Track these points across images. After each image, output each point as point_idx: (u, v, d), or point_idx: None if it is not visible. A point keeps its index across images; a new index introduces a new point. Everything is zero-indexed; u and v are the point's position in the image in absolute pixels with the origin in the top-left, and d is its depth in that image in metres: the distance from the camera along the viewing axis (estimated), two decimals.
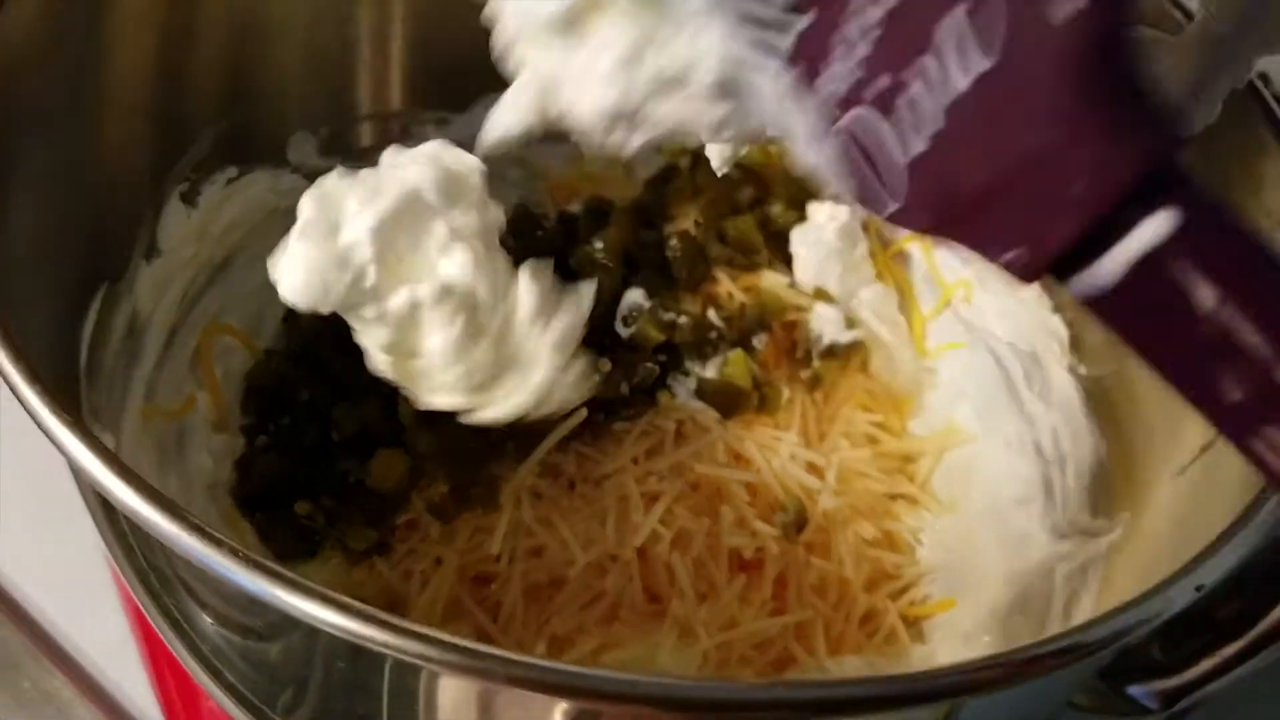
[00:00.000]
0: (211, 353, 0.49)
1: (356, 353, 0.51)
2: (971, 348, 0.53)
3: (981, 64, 0.22)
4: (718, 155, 0.36)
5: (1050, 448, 0.48)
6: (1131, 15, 0.21)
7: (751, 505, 0.48)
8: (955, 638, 0.46)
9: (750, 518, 0.48)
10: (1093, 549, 0.43)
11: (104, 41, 0.40)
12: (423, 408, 0.42)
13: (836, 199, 0.52)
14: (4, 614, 0.54)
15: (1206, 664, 0.40)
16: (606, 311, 0.51)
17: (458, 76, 0.55)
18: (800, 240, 0.53)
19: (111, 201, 0.43)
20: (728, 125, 0.29)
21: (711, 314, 0.52)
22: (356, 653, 0.27)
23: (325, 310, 0.38)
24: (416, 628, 0.24)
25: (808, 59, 0.25)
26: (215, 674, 0.37)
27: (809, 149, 0.26)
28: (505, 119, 0.33)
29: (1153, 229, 0.22)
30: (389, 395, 0.48)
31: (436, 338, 0.40)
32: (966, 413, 0.52)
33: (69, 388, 0.38)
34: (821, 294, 0.53)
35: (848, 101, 0.24)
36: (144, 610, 0.38)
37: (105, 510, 0.38)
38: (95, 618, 0.53)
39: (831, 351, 0.52)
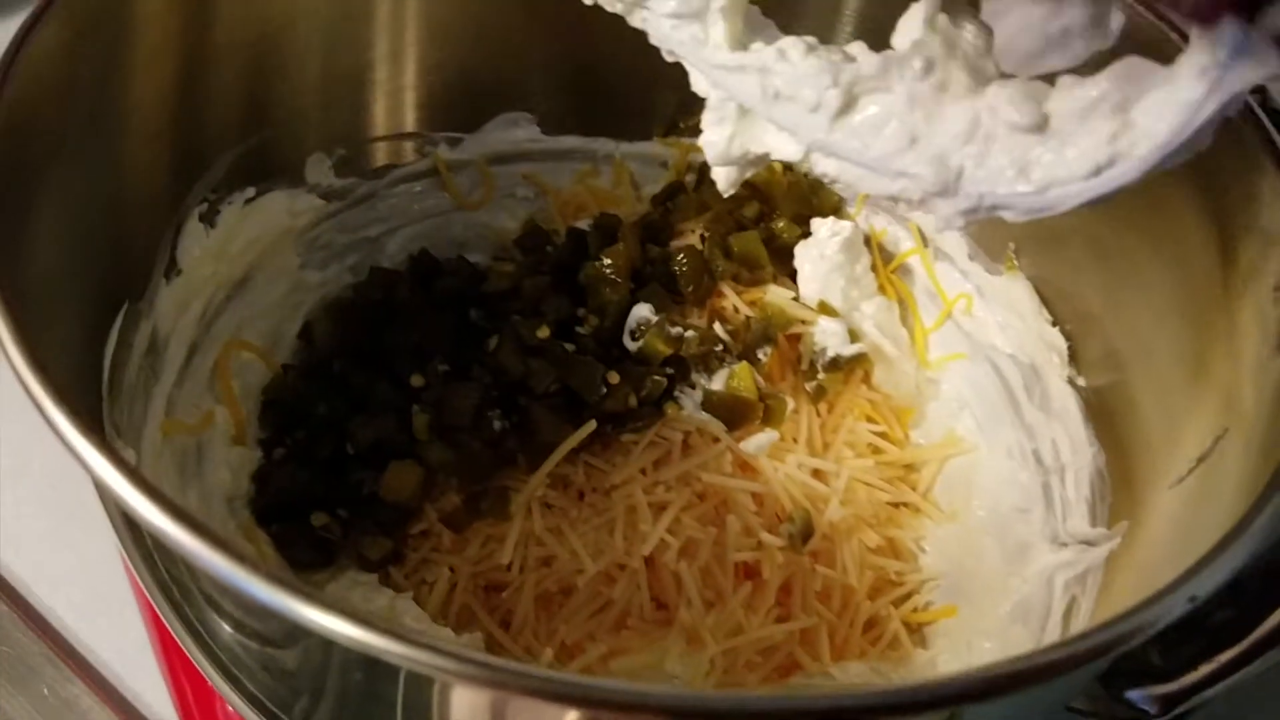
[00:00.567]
0: (230, 369, 0.50)
1: (371, 368, 0.52)
2: (972, 359, 0.54)
3: None
4: (724, 178, 0.37)
5: (1050, 457, 0.49)
6: None
7: (758, 514, 0.49)
8: (957, 644, 0.47)
9: (756, 527, 0.48)
10: (1092, 557, 0.43)
11: (125, 68, 0.41)
12: None
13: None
14: (24, 622, 0.55)
15: (1204, 669, 0.40)
16: (615, 326, 0.52)
17: (468, 98, 0.56)
18: (804, 255, 0.54)
19: (133, 222, 0.44)
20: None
21: (717, 328, 0.53)
22: (372, 664, 0.28)
23: None
24: (431, 641, 0.25)
25: None
26: (234, 681, 0.37)
27: None
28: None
29: None
30: (403, 409, 0.50)
31: None
32: (968, 423, 0.53)
33: (92, 405, 0.39)
34: (825, 307, 0.54)
35: None
36: (164, 619, 0.39)
37: (127, 523, 0.39)
38: (113, 626, 0.53)
39: (835, 364, 0.53)
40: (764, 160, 0.35)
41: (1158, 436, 0.43)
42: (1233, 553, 0.30)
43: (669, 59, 0.36)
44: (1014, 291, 0.51)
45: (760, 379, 0.52)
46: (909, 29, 0.31)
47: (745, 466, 0.51)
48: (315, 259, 0.54)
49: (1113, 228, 0.45)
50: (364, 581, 0.46)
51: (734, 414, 0.51)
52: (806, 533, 0.49)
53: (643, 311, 0.52)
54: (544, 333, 0.51)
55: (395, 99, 0.54)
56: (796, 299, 0.54)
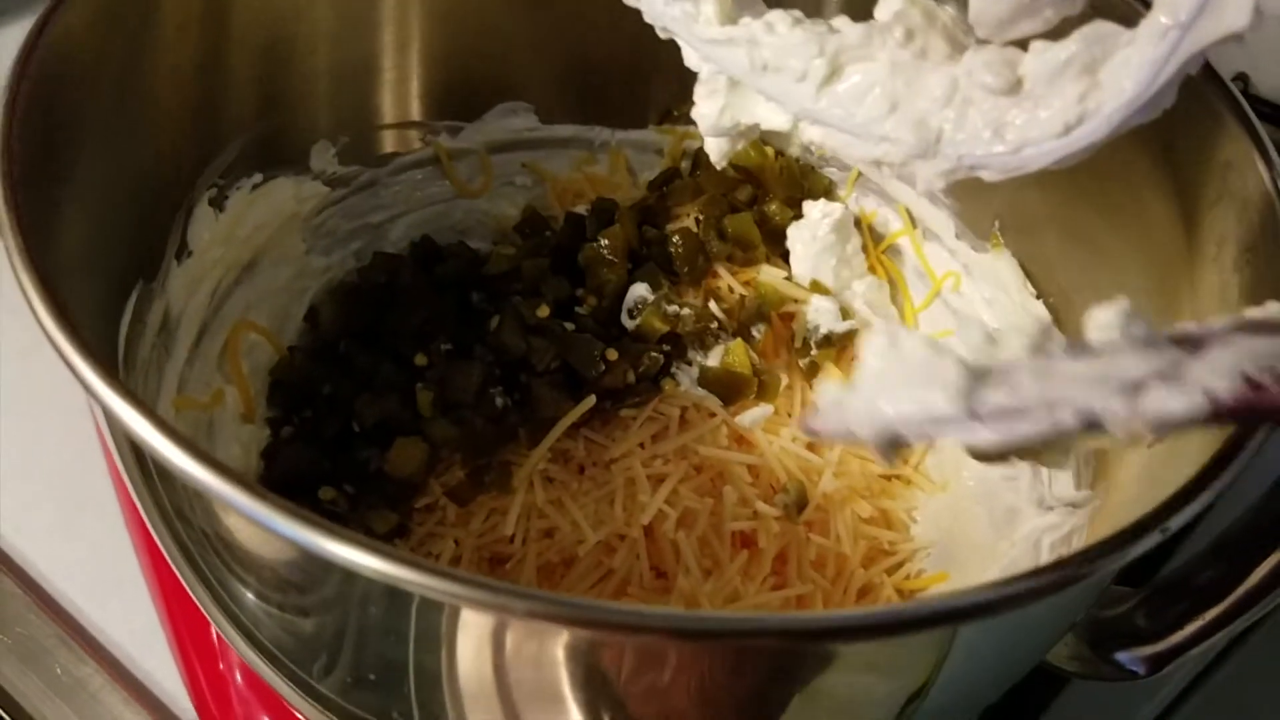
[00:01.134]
0: (239, 349, 0.51)
1: (375, 349, 0.53)
2: (961, 335, 0.55)
3: None
4: (716, 149, 0.39)
5: None
6: None
7: (753, 486, 0.51)
8: None
9: (752, 498, 0.50)
10: (1076, 519, 0.45)
11: (149, 49, 0.42)
12: None
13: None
14: (36, 604, 0.56)
15: (1190, 628, 0.42)
16: (613, 305, 0.54)
17: (470, 88, 0.58)
18: (796, 236, 0.56)
19: (149, 205, 0.45)
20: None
21: (712, 306, 0.54)
22: (390, 598, 0.30)
23: None
24: (443, 568, 0.26)
25: None
26: (250, 638, 0.39)
27: None
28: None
29: None
30: (407, 388, 0.51)
31: None
32: None
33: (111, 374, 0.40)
34: (817, 286, 0.56)
35: None
36: (184, 582, 0.40)
37: (147, 484, 0.40)
38: (124, 607, 0.54)
39: (828, 340, 0.54)
40: (754, 130, 0.36)
41: None
42: (1205, 493, 0.31)
43: (662, 35, 0.37)
44: (999, 268, 0.53)
45: (755, 355, 0.54)
46: (891, 1, 0.32)
47: (741, 440, 0.52)
48: (320, 245, 0.56)
49: (1084, 214, 0.47)
50: None
51: (729, 389, 0.53)
52: (801, 503, 0.50)
53: (640, 291, 0.53)
54: (544, 312, 0.52)
55: (399, 88, 0.56)
56: (789, 278, 0.56)
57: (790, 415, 0.53)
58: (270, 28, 0.48)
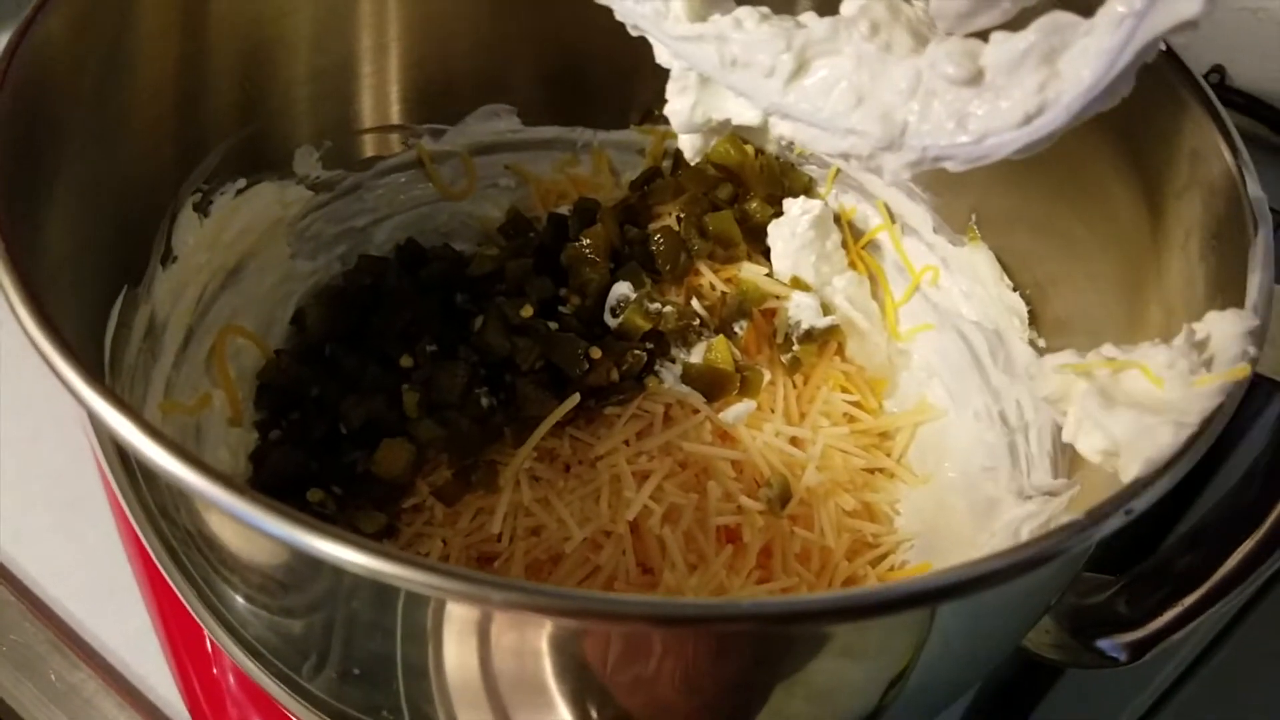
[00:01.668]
0: (225, 353, 0.51)
1: (361, 351, 0.54)
2: (940, 329, 0.56)
3: None
4: (689, 145, 0.39)
5: (1015, 417, 0.51)
6: None
7: (737, 481, 0.51)
8: None
9: (736, 493, 0.50)
10: (1054, 507, 0.45)
11: (127, 56, 0.43)
12: None
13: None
14: (30, 611, 0.56)
15: (1169, 614, 0.42)
16: (595, 304, 0.54)
17: (451, 90, 0.58)
18: (776, 233, 0.56)
19: (132, 210, 0.45)
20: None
21: (695, 303, 0.55)
22: (375, 593, 0.30)
23: None
24: (427, 561, 0.27)
25: None
26: (237, 637, 0.39)
27: None
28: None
29: None
30: (393, 389, 0.51)
31: None
32: (938, 390, 0.55)
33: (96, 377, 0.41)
34: (798, 283, 0.56)
35: None
36: (171, 583, 0.40)
37: (134, 488, 0.40)
38: (118, 613, 0.55)
39: (809, 336, 0.55)
40: (726, 126, 0.37)
41: None
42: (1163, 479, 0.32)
43: (633, 33, 0.38)
44: (977, 261, 0.53)
45: (737, 352, 0.54)
46: None
47: (724, 435, 0.53)
48: (305, 249, 0.56)
49: (1056, 206, 0.48)
50: None
51: (712, 386, 0.53)
52: (785, 497, 0.51)
53: (622, 289, 0.54)
54: (527, 312, 0.53)
55: (380, 92, 0.56)
56: (770, 275, 0.56)
57: (773, 410, 0.54)
58: (249, 34, 0.49)
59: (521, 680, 0.32)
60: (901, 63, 0.32)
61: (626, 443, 0.51)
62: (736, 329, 0.55)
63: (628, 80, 0.59)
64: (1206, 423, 0.32)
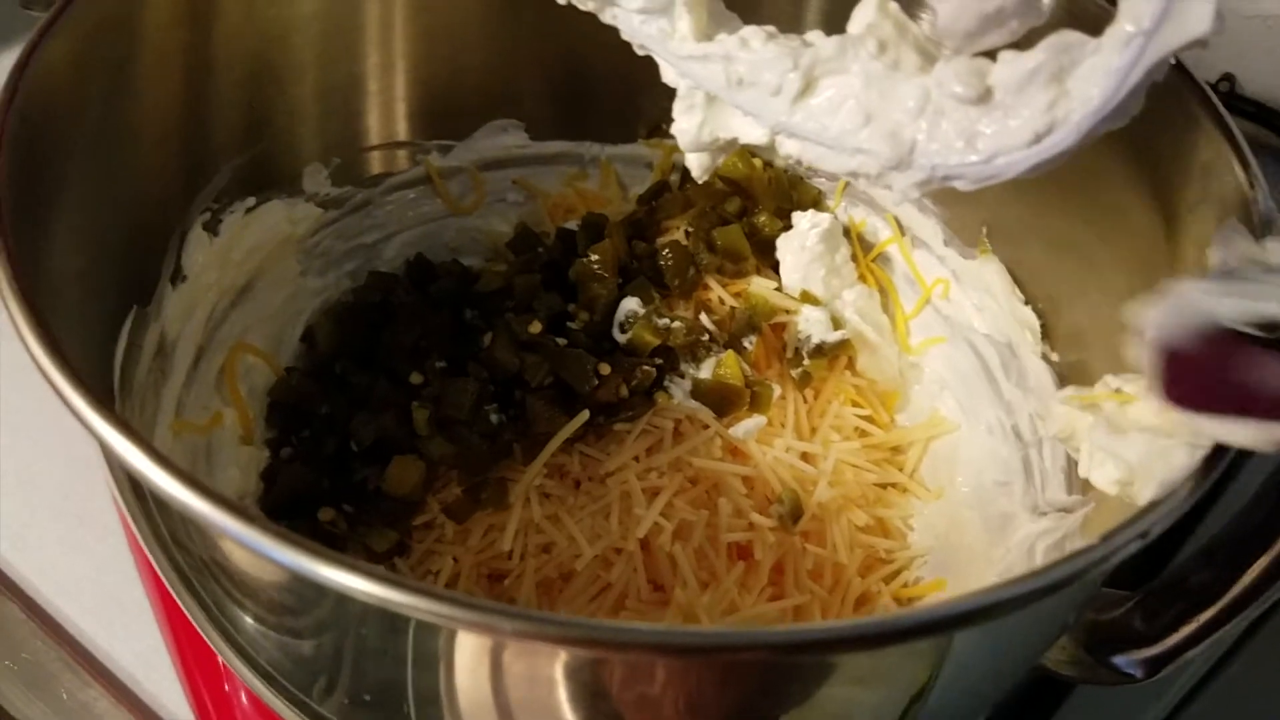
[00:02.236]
0: (236, 371, 0.51)
1: (371, 368, 0.54)
2: (952, 342, 0.55)
3: None
4: (697, 164, 0.39)
5: (1028, 431, 0.50)
6: None
7: (748, 497, 0.51)
8: None
9: (747, 509, 0.50)
10: (1069, 523, 0.45)
11: (133, 78, 0.43)
12: None
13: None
14: (41, 629, 0.56)
15: (1185, 630, 0.42)
16: (604, 319, 0.54)
17: (459, 106, 0.58)
18: (785, 247, 0.56)
19: (140, 231, 0.45)
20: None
21: (704, 318, 0.55)
22: (385, 620, 0.30)
23: None
24: (437, 590, 0.27)
25: None
26: (250, 661, 0.39)
27: None
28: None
29: None
30: (403, 406, 0.51)
31: None
32: (950, 403, 0.55)
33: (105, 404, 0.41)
34: (808, 296, 0.56)
35: None
36: (183, 607, 0.40)
37: (145, 515, 0.40)
38: (128, 630, 0.55)
39: (819, 350, 0.55)
40: (733, 145, 0.37)
41: None
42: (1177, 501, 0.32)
43: (640, 53, 0.38)
44: (988, 274, 0.53)
45: (747, 367, 0.54)
46: (863, 15, 0.33)
47: (735, 451, 0.52)
48: (315, 266, 0.56)
49: (1068, 219, 0.47)
50: None
51: (722, 401, 0.53)
52: (796, 513, 0.50)
53: (631, 305, 0.54)
54: (536, 328, 0.53)
55: (387, 109, 0.56)
56: (779, 289, 0.56)
57: (784, 425, 0.54)
58: (254, 54, 0.49)
59: (532, 706, 0.32)
60: (909, 81, 0.31)
61: (636, 459, 0.51)
62: (746, 344, 0.54)
63: (635, 94, 0.59)
64: (1222, 454, 0.32)
